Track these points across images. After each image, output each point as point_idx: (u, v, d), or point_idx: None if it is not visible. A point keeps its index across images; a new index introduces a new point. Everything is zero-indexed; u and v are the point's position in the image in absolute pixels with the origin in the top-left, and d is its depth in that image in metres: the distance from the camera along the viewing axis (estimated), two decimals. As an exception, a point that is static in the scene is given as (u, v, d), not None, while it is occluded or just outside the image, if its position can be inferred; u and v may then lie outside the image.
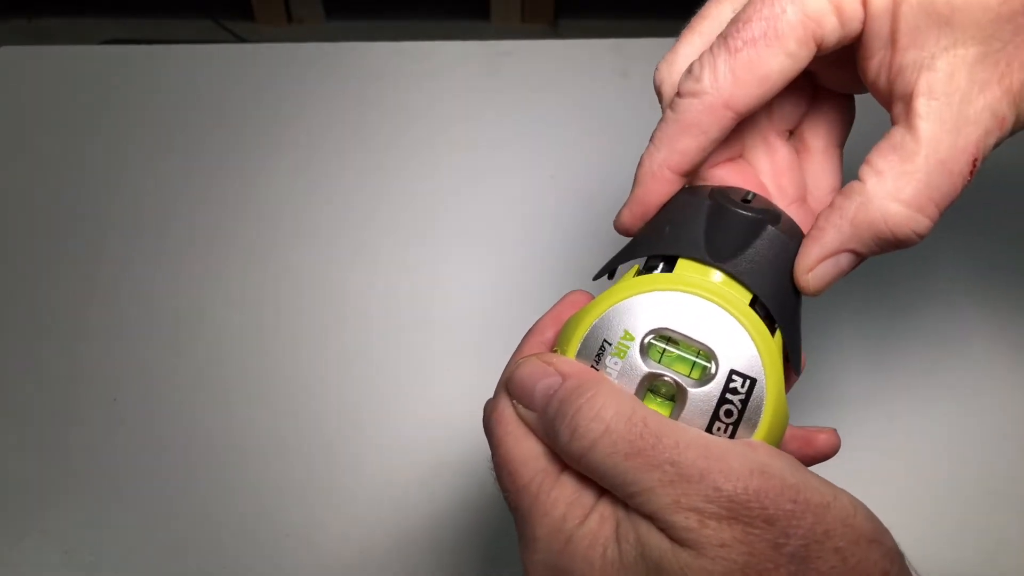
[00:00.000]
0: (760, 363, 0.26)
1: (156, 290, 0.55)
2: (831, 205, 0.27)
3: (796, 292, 0.28)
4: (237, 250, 0.58)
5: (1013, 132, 0.27)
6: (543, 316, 0.30)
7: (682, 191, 0.30)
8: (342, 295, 0.55)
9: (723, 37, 0.27)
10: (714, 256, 0.27)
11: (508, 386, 0.27)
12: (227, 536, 0.45)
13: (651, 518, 0.22)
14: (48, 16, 1.85)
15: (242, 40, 1.76)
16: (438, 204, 0.60)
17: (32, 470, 0.47)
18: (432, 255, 0.57)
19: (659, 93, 0.31)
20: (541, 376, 0.25)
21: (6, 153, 0.65)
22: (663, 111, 0.30)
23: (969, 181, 0.26)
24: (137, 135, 0.65)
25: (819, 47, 0.26)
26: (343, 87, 0.69)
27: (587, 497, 0.24)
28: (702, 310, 0.26)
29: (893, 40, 0.26)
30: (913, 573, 0.24)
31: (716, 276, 0.27)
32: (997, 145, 0.26)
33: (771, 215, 0.28)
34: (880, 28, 0.26)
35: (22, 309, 0.55)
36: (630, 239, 0.30)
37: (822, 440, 0.29)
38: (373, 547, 0.45)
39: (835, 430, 0.29)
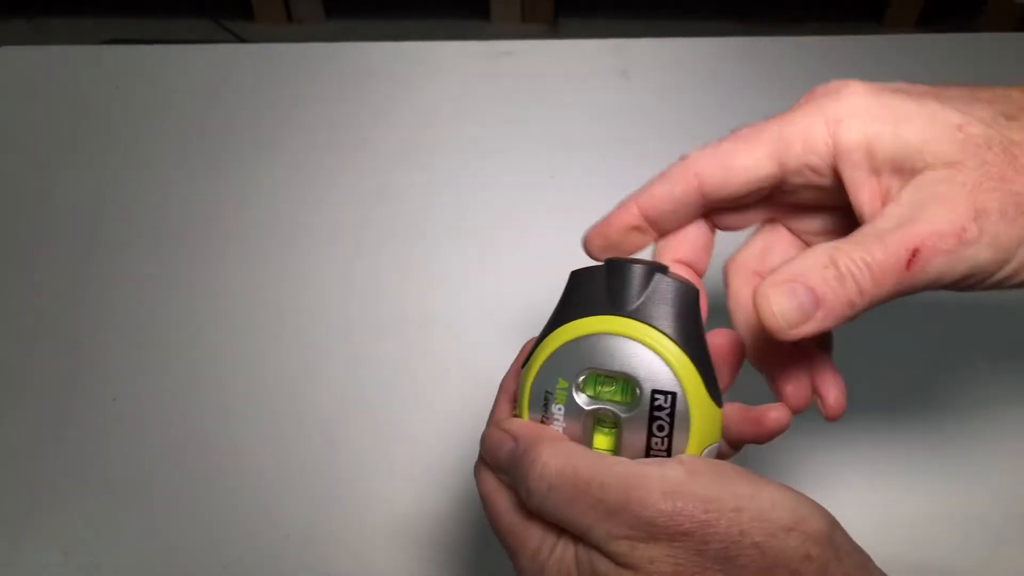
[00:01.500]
0: (675, 378, 0.29)
1: (155, 290, 0.56)
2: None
3: (698, 327, 0.30)
4: (236, 249, 0.58)
5: (995, 270, 0.27)
6: (507, 372, 0.34)
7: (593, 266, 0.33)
8: (341, 295, 0.55)
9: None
10: (617, 307, 0.31)
11: (482, 453, 0.31)
12: (227, 536, 0.45)
13: (596, 548, 0.26)
14: (48, 16, 1.85)
15: (242, 40, 1.76)
16: (438, 204, 0.60)
17: (32, 470, 0.47)
18: (431, 255, 0.57)
19: None
20: (500, 444, 0.30)
21: (6, 153, 0.65)
22: None
23: (908, 273, 0.27)
24: (137, 135, 0.65)
25: (782, 164, 0.30)
26: (343, 87, 0.69)
27: (551, 535, 0.28)
28: (618, 346, 0.29)
29: (875, 171, 0.29)
30: (853, 546, 0.27)
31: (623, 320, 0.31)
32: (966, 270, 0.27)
33: (659, 266, 0.31)
34: (857, 160, 0.29)
35: (22, 309, 0.55)
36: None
37: (771, 418, 0.31)
38: (373, 547, 0.45)
39: (784, 406, 0.31)
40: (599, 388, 0.30)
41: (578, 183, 0.62)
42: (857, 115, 0.29)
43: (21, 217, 0.60)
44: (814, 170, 0.30)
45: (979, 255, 0.27)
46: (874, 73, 0.77)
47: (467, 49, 0.72)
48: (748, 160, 0.31)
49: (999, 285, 0.28)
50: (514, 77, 0.70)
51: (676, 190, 0.32)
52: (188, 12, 1.81)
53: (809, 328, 0.28)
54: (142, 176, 0.63)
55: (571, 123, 0.66)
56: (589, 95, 0.68)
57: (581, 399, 0.30)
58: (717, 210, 0.33)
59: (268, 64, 0.71)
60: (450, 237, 0.58)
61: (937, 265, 0.26)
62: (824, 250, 0.28)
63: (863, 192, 0.29)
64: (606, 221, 0.34)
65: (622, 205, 0.34)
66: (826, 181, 0.30)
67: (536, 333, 0.33)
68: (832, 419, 0.32)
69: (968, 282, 0.28)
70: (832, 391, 0.32)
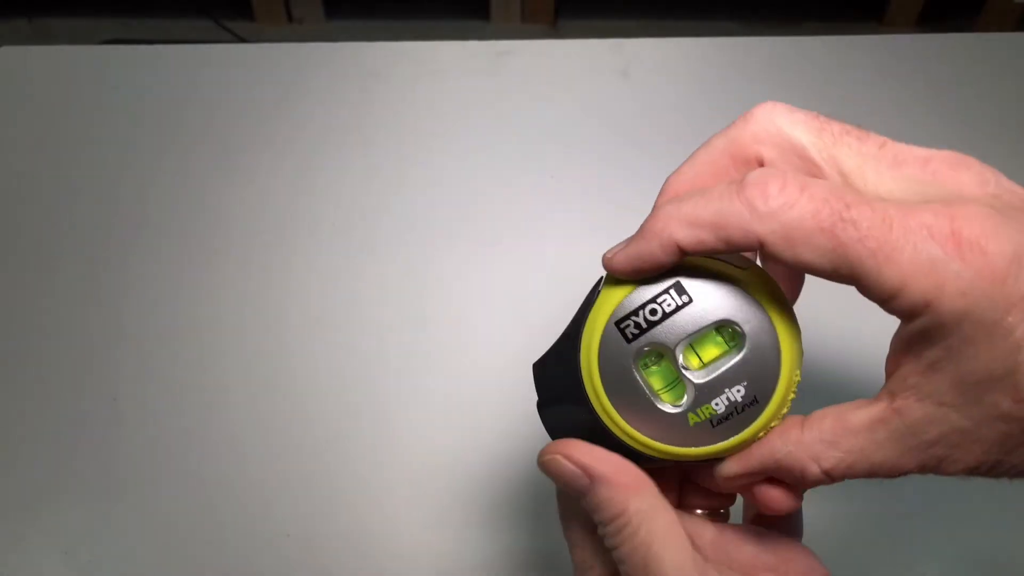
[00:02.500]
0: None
1: (156, 290, 0.56)
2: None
3: None
4: (237, 249, 0.58)
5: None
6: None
7: None
8: (341, 294, 0.55)
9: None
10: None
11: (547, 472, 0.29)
12: (227, 536, 0.45)
13: None
14: (48, 16, 1.85)
15: (242, 40, 1.76)
16: (438, 204, 0.60)
17: (32, 470, 0.47)
18: (431, 254, 0.57)
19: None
20: (571, 479, 0.28)
21: (6, 153, 0.65)
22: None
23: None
24: (137, 135, 0.65)
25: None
26: (343, 87, 0.69)
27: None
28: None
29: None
30: None
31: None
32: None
33: None
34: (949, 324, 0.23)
35: (22, 309, 0.55)
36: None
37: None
38: (373, 547, 0.45)
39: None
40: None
41: (578, 183, 0.62)
42: (960, 317, 0.23)
43: (21, 217, 0.60)
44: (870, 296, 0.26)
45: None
46: (874, 73, 0.77)
47: (467, 49, 0.72)
48: (817, 258, 0.25)
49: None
50: (514, 77, 0.70)
51: (725, 247, 0.28)
52: (188, 12, 1.81)
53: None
54: (142, 176, 0.63)
55: (571, 123, 0.66)
56: (589, 95, 0.68)
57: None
58: None
59: (268, 64, 0.71)
60: (450, 237, 0.58)
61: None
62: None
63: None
64: (640, 258, 0.29)
65: (658, 240, 0.29)
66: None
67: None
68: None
69: None
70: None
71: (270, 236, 0.59)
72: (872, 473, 0.26)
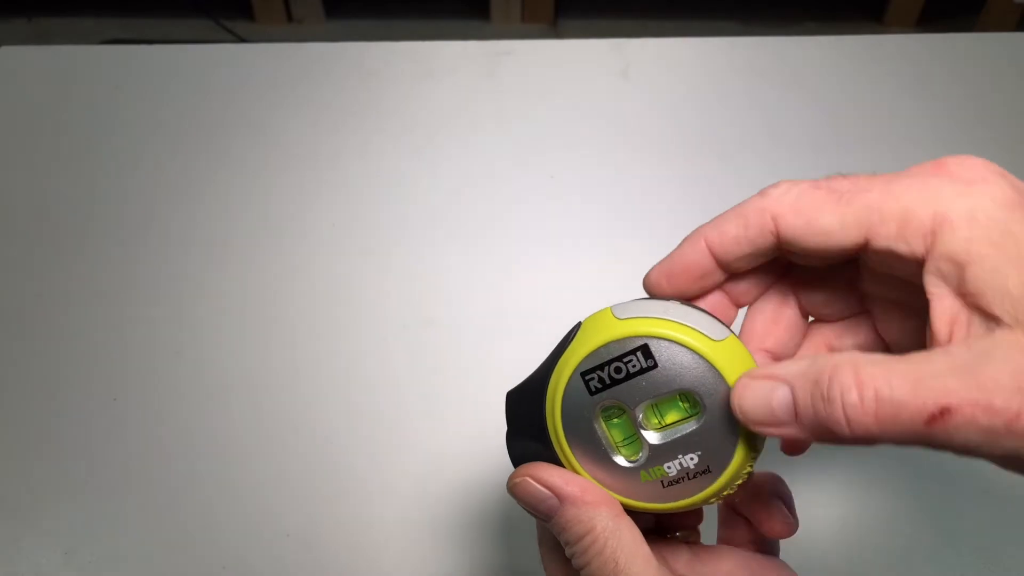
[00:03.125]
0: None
1: (156, 289, 0.56)
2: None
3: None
4: (237, 249, 0.58)
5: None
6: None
7: None
8: (341, 294, 0.55)
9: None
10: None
11: (516, 498, 0.30)
12: (227, 536, 0.45)
13: None
14: (48, 16, 1.85)
15: (242, 40, 1.76)
16: (438, 204, 0.61)
17: (32, 470, 0.47)
18: (431, 254, 0.57)
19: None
20: (539, 500, 0.29)
21: (6, 153, 0.65)
22: None
23: (926, 430, 0.22)
24: (137, 135, 0.65)
25: (869, 239, 0.26)
26: (343, 87, 0.69)
27: None
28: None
29: (960, 293, 0.24)
30: None
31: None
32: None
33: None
34: (947, 271, 0.24)
35: (22, 309, 0.55)
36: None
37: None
38: (373, 547, 0.45)
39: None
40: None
41: (578, 183, 0.62)
42: (973, 225, 0.24)
43: (21, 217, 0.60)
44: (898, 258, 0.25)
45: (1021, 449, 0.22)
46: (874, 73, 0.77)
47: (467, 49, 0.72)
48: (832, 221, 0.26)
49: None
50: (514, 77, 0.70)
51: (751, 232, 0.28)
52: (188, 12, 1.81)
53: (776, 432, 0.25)
54: (142, 176, 0.63)
55: (571, 123, 0.66)
56: (589, 95, 0.68)
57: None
58: (793, 263, 0.30)
59: (268, 64, 0.71)
60: (450, 237, 0.58)
61: (966, 436, 0.22)
62: (834, 362, 0.24)
63: (940, 307, 0.24)
64: (674, 259, 0.30)
65: (690, 241, 0.29)
66: (899, 272, 0.26)
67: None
68: (791, 454, 0.32)
69: (1012, 467, 0.23)
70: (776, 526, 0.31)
71: (270, 236, 0.59)
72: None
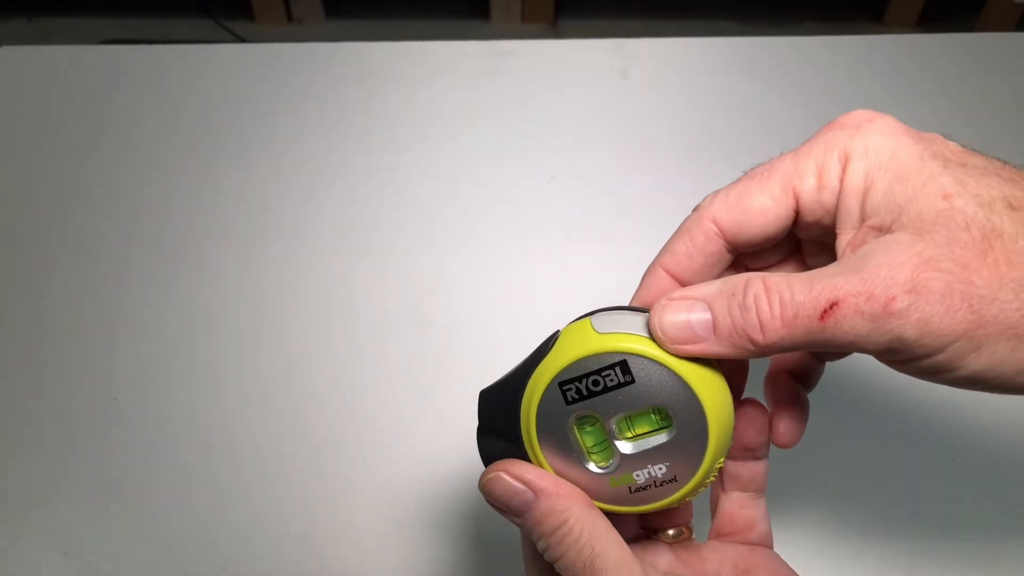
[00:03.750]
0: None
1: (156, 290, 0.56)
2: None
3: None
4: (237, 249, 0.58)
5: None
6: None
7: None
8: (341, 295, 0.55)
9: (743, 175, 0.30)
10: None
11: (485, 497, 0.30)
12: (227, 536, 0.45)
13: None
14: (48, 16, 1.85)
15: (242, 40, 1.76)
16: (437, 204, 0.61)
17: (32, 470, 0.47)
18: (431, 255, 0.57)
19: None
20: (512, 495, 0.29)
21: (6, 153, 0.65)
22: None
23: (820, 324, 0.25)
24: (137, 135, 0.65)
25: (798, 201, 0.29)
26: (343, 87, 0.69)
27: None
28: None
29: (861, 219, 0.27)
30: None
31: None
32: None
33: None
34: (851, 206, 0.27)
35: (22, 308, 0.55)
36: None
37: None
38: (373, 547, 0.45)
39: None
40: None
41: (578, 183, 0.62)
42: (867, 156, 0.27)
43: (21, 217, 0.60)
44: (826, 210, 0.28)
45: (903, 332, 0.24)
46: (874, 73, 0.77)
47: (467, 49, 0.72)
48: (764, 199, 0.29)
49: (933, 374, 0.25)
50: (514, 77, 0.70)
51: (697, 242, 0.30)
52: (188, 12, 1.81)
53: (694, 350, 0.27)
54: (142, 176, 0.63)
55: (571, 123, 0.66)
56: (589, 95, 0.68)
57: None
58: (743, 254, 0.32)
59: (268, 64, 0.71)
60: (450, 237, 0.58)
61: (853, 325, 0.25)
62: (746, 277, 0.27)
63: (843, 239, 0.28)
64: (640, 296, 0.32)
65: (649, 273, 0.32)
66: (833, 223, 0.29)
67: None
68: (781, 447, 0.33)
69: (894, 357, 0.25)
70: (783, 420, 0.32)
71: (270, 236, 0.59)
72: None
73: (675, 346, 0.27)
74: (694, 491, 0.29)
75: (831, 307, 0.25)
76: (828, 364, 0.35)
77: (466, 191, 0.61)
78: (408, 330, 0.53)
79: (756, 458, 0.32)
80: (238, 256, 0.57)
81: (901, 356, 0.25)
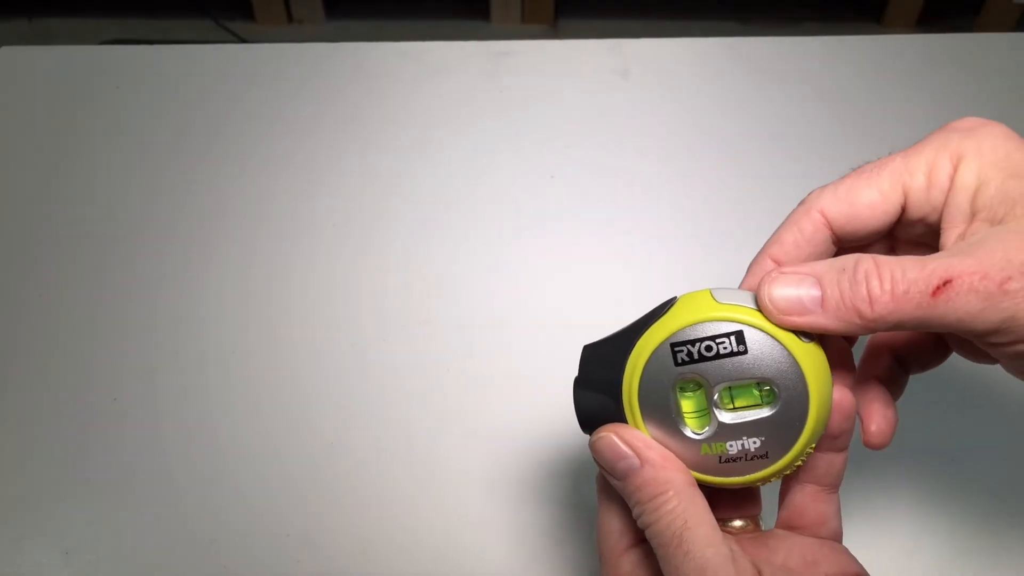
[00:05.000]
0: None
1: (157, 290, 0.56)
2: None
3: None
4: (237, 250, 0.58)
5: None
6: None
7: None
8: (341, 294, 0.55)
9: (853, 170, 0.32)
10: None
11: (593, 455, 0.31)
12: (227, 536, 0.45)
13: None
14: (48, 16, 1.85)
15: (242, 40, 1.76)
16: (438, 204, 0.61)
17: (32, 470, 0.47)
18: (431, 254, 0.57)
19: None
20: (619, 457, 0.30)
21: (6, 153, 0.65)
22: None
23: (932, 301, 0.26)
24: (137, 135, 0.65)
25: (906, 197, 0.30)
26: (343, 87, 0.69)
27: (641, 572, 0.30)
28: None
29: (972, 215, 0.28)
30: None
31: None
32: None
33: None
34: (961, 202, 0.28)
35: (22, 309, 0.55)
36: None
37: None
38: (373, 547, 0.45)
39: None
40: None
41: (578, 183, 0.62)
42: (980, 156, 0.29)
43: (21, 217, 0.60)
44: (934, 207, 0.29)
45: (1016, 310, 0.25)
46: (874, 73, 0.77)
47: (467, 49, 0.72)
48: (873, 193, 0.30)
49: None
50: (514, 77, 0.70)
51: (805, 232, 0.31)
52: (188, 12, 1.81)
53: (801, 322, 0.28)
54: (142, 176, 0.63)
55: (571, 123, 0.66)
56: (589, 95, 0.68)
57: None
58: (843, 249, 0.33)
59: (268, 64, 0.71)
60: (450, 237, 0.58)
61: (966, 303, 0.26)
62: (856, 256, 0.28)
63: (952, 233, 0.29)
64: (747, 282, 0.33)
65: (756, 261, 0.33)
66: (939, 219, 0.30)
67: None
68: (873, 448, 0.33)
69: (998, 339, 0.26)
70: (876, 422, 0.33)
71: (271, 236, 0.59)
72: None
73: (782, 317, 0.28)
74: (781, 471, 0.29)
75: (944, 284, 0.26)
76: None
77: (466, 191, 0.61)
78: (408, 329, 0.53)
79: (837, 449, 0.32)
80: (238, 256, 0.57)
81: (1007, 338, 0.26)
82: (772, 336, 0.28)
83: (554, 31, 1.85)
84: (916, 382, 0.36)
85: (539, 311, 0.54)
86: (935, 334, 0.32)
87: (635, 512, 0.30)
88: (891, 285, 0.26)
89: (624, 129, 0.66)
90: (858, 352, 0.35)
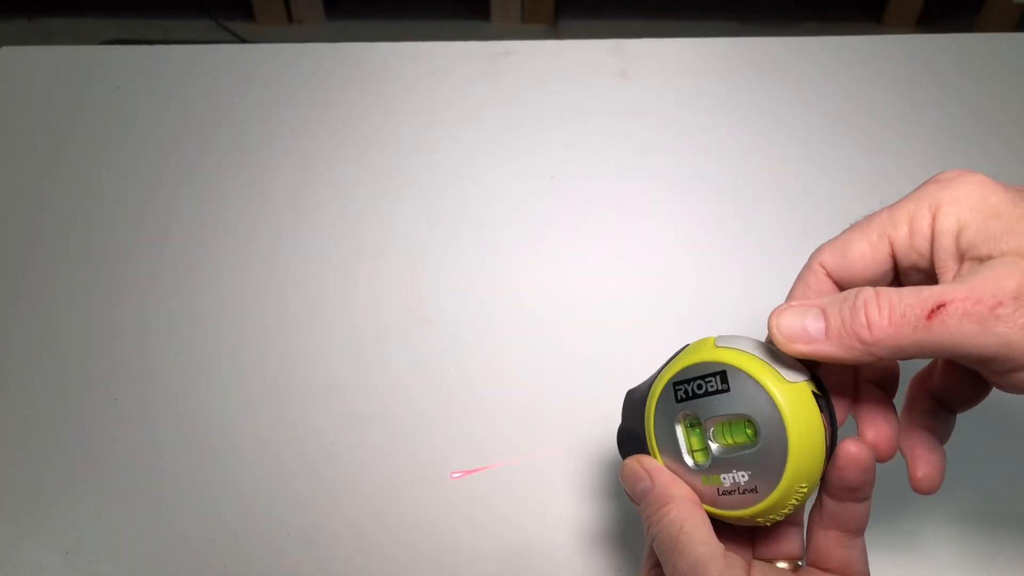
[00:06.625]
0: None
1: (156, 290, 0.56)
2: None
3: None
4: (237, 250, 0.58)
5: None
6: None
7: None
8: (341, 295, 0.55)
9: None
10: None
11: (621, 480, 0.35)
12: (227, 536, 0.45)
13: None
14: (48, 16, 1.85)
15: (242, 40, 1.76)
16: (438, 204, 0.61)
17: (32, 470, 0.47)
18: (431, 254, 0.57)
19: None
20: (637, 480, 0.34)
21: (6, 153, 0.65)
22: None
23: (927, 324, 0.27)
24: (137, 135, 0.65)
25: (892, 247, 0.32)
26: (343, 87, 0.69)
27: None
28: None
29: (960, 256, 0.30)
30: None
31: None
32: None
33: None
34: (947, 245, 0.30)
35: (22, 309, 0.55)
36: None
37: (847, 452, 0.32)
38: (373, 547, 0.45)
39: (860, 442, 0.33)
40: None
41: (578, 183, 0.62)
42: (957, 202, 0.30)
43: (21, 217, 0.60)
44: (920, 254, 0.31)
45: (1011, 335, 0.26)
46: (874, 73, 0.77)
47: (467, 49, 0.72)
48: (863, 245, 0.32)
49: None
50: (514, 77, 0.70)
51: (812, 286, 0.34)
52: (188, 12, 1.81)
53: (807, 349, 0.30)
54: (142, 176, 0.63)
55: (571, 123, 0.66)
56: (589, 95, 0.68)
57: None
58: None
59: (268, 64, 0.71)
60: (450, 237, 0.58)
61: (960, 325, 0.27)
62: (858, 288, 0.29)
63: (947, 275, 0.30)
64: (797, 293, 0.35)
65: (808, 267, 0.35)
66: (930, 265, 0.31)
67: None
68: (921, 493, 0.34)
69: (997, 367, 0.27)
70: (921, 467, 0.34)
71: (271, 236, 0.59)
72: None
73: (790, 345, 0.30)
74: (774, 509, 0.31)
75: (938, 308, 0.27)
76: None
77: (466, 191, 0.61)
78: (408, 330, 0.53)
79: (858, 499, 0.32)
80: (238, 256, 0.57)
81: (1006, 365, 0.27)
82: (751, 376, 0.31)
83: (554, 31, 1.85)
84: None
85: (539, 311, 0.54)
86: (970, 371, 0.33)
87: (645, 527, 0.32)
88: (888, 311, 0.28)
89: (624, 129, 0.66)
90: (899, 402, 0.36)
